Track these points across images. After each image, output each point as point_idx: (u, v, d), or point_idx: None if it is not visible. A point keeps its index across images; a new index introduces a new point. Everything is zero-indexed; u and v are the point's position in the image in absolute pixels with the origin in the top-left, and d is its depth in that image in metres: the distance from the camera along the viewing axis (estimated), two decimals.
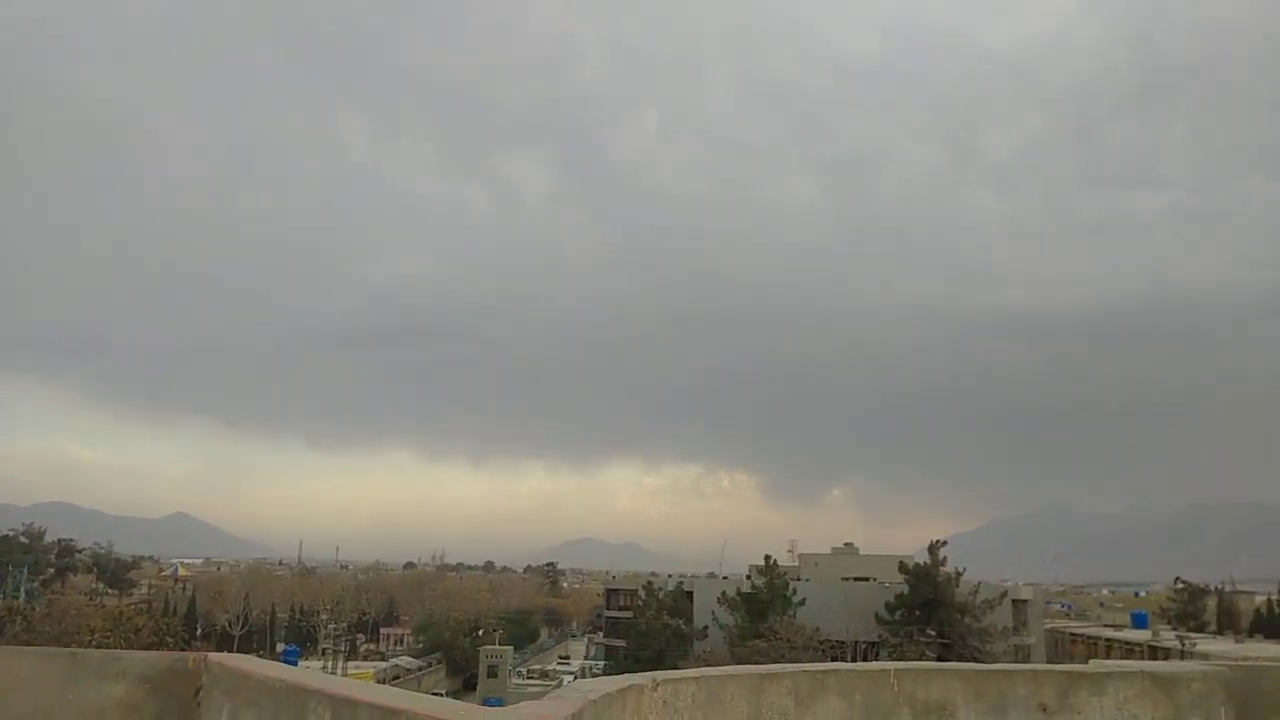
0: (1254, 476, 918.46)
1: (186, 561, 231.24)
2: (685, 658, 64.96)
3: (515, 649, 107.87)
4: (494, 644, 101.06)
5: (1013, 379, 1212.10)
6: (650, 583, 76.54)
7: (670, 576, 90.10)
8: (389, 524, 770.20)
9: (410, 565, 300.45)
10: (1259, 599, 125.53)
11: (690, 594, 74.11)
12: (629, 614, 77.07)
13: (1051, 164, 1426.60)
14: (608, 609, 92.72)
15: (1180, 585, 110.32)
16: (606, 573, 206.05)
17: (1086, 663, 10.37)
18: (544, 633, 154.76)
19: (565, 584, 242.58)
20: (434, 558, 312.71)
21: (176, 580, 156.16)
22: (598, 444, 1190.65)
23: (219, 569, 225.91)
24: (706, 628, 67.92)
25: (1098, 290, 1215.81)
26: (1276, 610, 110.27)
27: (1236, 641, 79.75)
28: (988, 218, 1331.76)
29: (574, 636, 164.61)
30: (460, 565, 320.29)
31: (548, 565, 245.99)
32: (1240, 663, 9.71)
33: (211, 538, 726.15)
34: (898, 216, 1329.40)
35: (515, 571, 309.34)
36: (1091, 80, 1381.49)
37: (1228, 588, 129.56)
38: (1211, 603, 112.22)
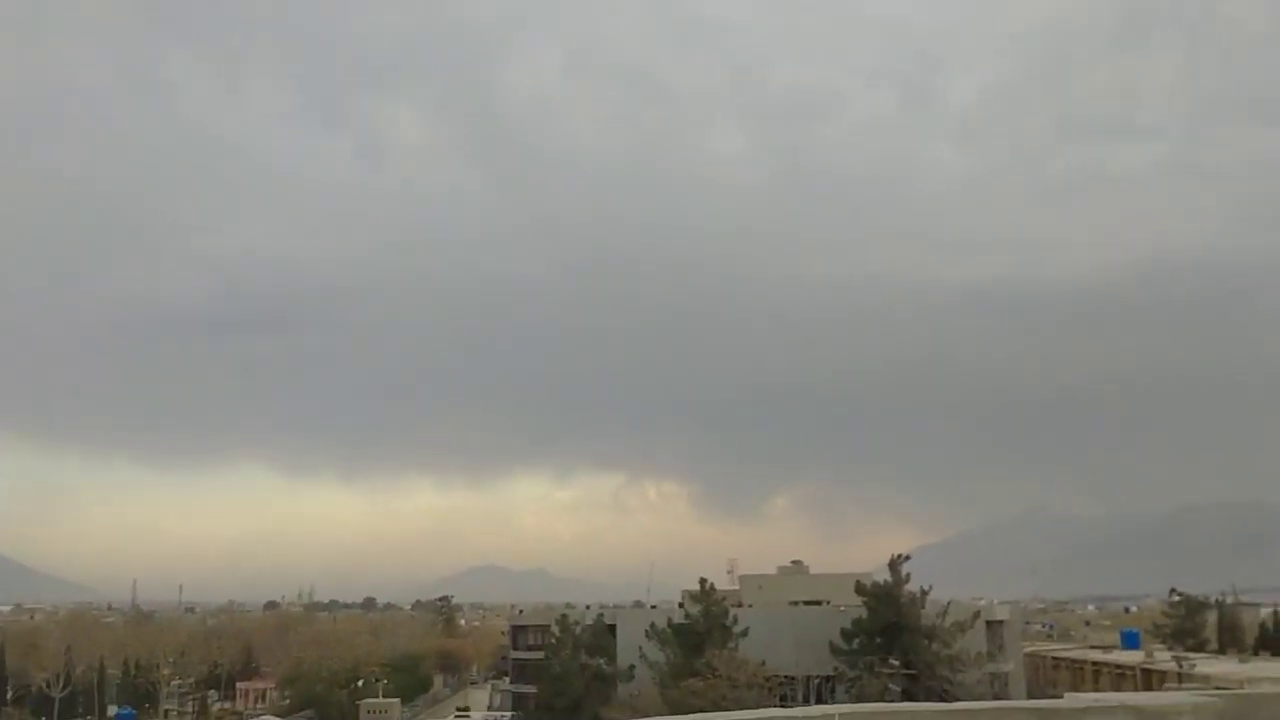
0: (1257, 472, 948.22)
1: None
2: (608, 704, 65.48)
3: (403, 701, 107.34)
4: (377, 696, 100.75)
5: (983, 365, 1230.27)
6: (565, 616, 76.64)
7: (589, 608, 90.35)
8: (243, 556, 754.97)
9: (272, 605, 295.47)
10: (1264, 611, 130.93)
11: (613, 628, 74.43)
12: (540, 654, 77.05)
13: (1022, 112, 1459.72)
14: (515, 649, 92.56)
15: (1176, 598, 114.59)
16: (512, 606, 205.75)
17: (1071, 691, 10.80)
18: (438, 681, 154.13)
19: (463, 621, 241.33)
20: (300, 595, 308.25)
21: None
22: (498, 452, 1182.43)
23: (32, 617, 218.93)
24: (633, 667, 68.34)
25: (1081, 258, 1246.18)
26: None
27: (1241, 661, 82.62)
28: (949, 174, 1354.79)
29: (474, 684, 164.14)
30: (333, 603, 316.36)
31: (440, 600, 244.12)
32: (1236, 691, 10.19)
33: (20, 579, 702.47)
34: (845, 173, 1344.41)
35: (401, 608, 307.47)
36: (1066, 14, 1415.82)
37: (1229, 599, 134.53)
38: (1211, 617, 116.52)
